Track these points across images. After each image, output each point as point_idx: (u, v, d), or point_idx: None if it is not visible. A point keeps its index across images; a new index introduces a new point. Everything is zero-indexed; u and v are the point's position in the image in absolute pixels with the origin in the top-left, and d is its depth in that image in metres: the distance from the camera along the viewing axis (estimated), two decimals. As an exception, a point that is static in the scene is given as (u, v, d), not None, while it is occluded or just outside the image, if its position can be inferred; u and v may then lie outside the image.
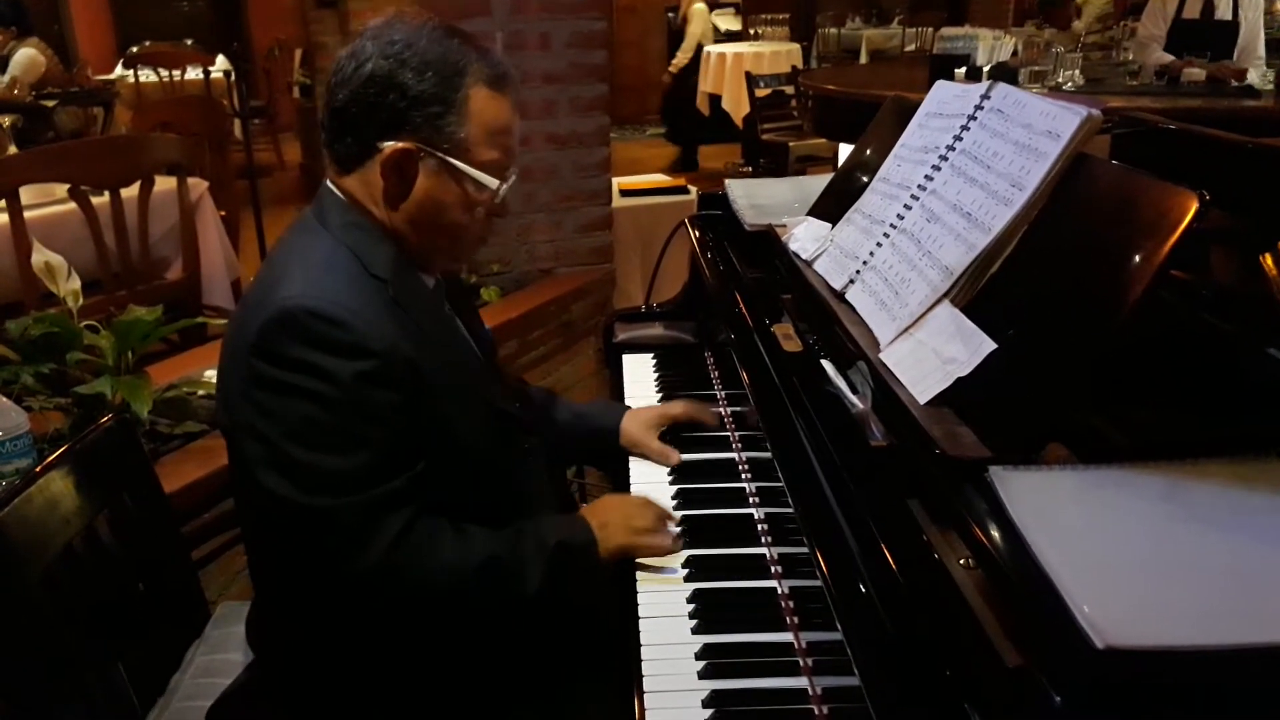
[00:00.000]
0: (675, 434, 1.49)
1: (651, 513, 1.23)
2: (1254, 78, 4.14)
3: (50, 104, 5.67)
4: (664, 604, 1.11)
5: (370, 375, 1.03)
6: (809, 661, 0.99)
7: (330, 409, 1.02)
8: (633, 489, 1.38)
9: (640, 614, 1.10)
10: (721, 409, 1.57)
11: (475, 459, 1.17)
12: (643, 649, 1.04)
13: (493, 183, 1.12)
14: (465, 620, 1.13)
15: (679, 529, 1.24)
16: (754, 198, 1.81)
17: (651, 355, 1.84)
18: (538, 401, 1.50)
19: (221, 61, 6.91)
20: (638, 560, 1.19)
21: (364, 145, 1.10)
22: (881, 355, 1.09)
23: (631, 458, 1.46)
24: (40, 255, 1.77)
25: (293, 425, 1.02)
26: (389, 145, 1.08)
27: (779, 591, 1.11)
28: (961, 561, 0.77)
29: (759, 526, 1.24)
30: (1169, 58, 4.42)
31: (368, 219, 1.13)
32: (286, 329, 1.02)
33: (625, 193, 3.37)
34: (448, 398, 1.13)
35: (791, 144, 5.51)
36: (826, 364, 1.17)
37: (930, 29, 7.95)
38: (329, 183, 1.16)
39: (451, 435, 1.13)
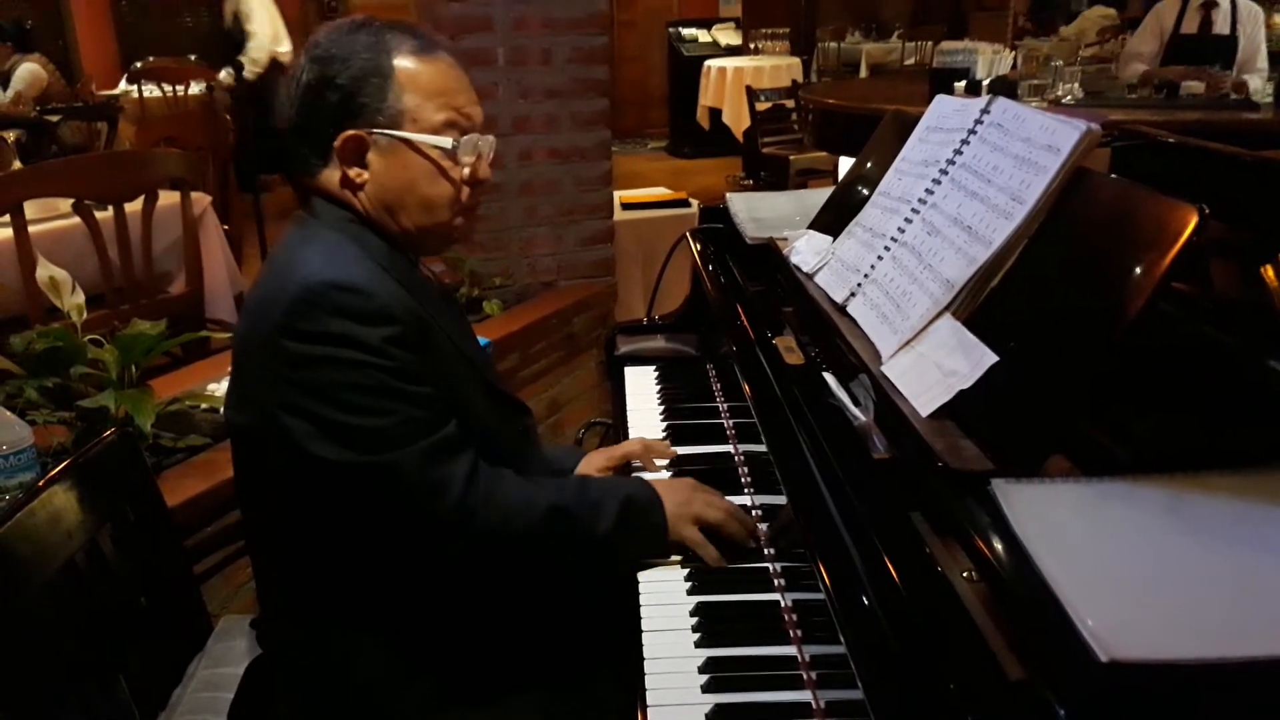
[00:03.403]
0: (677, 437, 1.51)
1: (727, 511, 1.22)
2: (1257, 84, 4.16)
3: (54, 119, 5.69)
4: (667, 617, 1.10)
5: (397, 339, 1.07)
6: (812, 675, 0.99)
7: (366, 373, 1.05)
8: None
9: (643, 627, 1.09)
10: (724, 420, 1.57)
11: (484, 434, 1.19)
12: (646, 662, 1.04)
13: (445, 141, 1.15)
14: (540, 565, 1.17)
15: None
16: (755, 211, 1.81)
17: (653, 368, 1.84)
18: None
19: (225, 76, 6.95)
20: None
21: (322, 148, 1.15)
22: (883, 368, 1.09)
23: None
24: (44, 270, 1.78)
25: (335, 395, 1.04)
26: (339, 138, 1.13)
27: (782, 605, 1.11)
28: (964, 574, 0.77)
29: (762, 539, 1.23)
30: (1144, 68, 4.46)
31: (355, 215, 1.17)
32: (313, 304, 1.04)
33: (626, 206, 3.38)
34: (457, 370, 1.17)
35: (792, 157, 5.53)
36: (828, 376, 1.17)
37: (930, 43, 8.01)
38: (309, 189, 1.19)
39: (463, 406, 1.16)
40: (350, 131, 1.12)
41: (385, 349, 1.06)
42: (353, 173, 1.15)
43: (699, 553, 1.19)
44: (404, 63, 1.13)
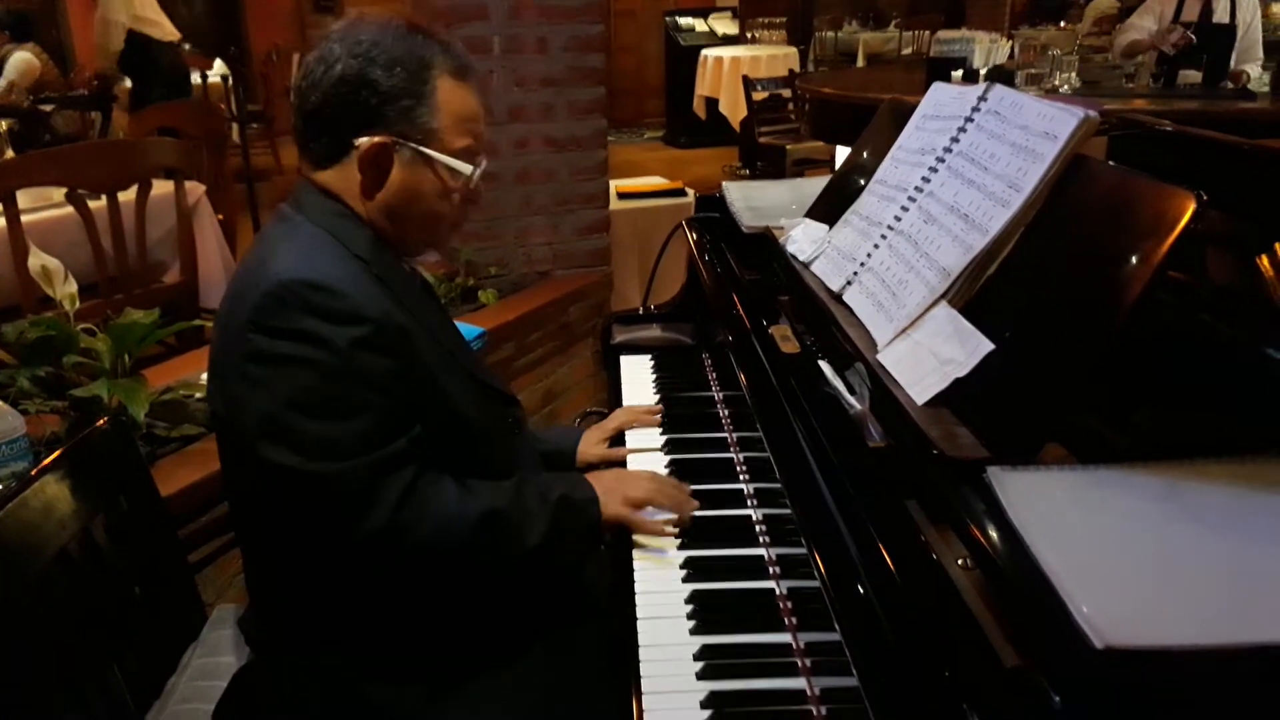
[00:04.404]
0: (672, 426, 1.52)
1: (653, 488, 1.25)
2: (1256, 73, 4.17)
3: (47, 108, 5.66)
4: (662, 605, 1.10)
5: (365, 341, 1.06)
6: (807, 662, 0.99)
7: (328, 376, 1.04)
8: None
9: (638, 615, 1.09)
10: (719, 409, 1.57)
11: (468, 427, 1.19)
12: (641, 650, 1.04)
13: (466, 168, 1.17)
14: (472, 574, 1.16)
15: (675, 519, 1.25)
16: (751, 200, 1.81)
17: (649, 357, 1.84)
18: None
19: (219, 66, 6.91)
20: (634, 539, 1.21)
21: (340, 142, 1.14)
22: (879, 356, 1.09)
23: (628, 441, 1.50)
24: (37, 259, 1.77)
25: (293, 395, 1.04)
26: (365, 140, 1.12)
27: (777, 592, 1.11)
28: (960, 562, 0.77)
29: (757, 527, 1.23)
30: (1140, 35, 4.47)
31: (345, 209, 1.16)
32: (283, 300, 1.04)
33: (623, 195, 3.37)
34: (437, 367, 1.16)
35: (789, 147, 5.52)
36: (824, 365, 1.17)
37: (927, 32, 7.98)
38: (305, 177, 1.19)
39: (445, 403, 1.16)
40: (379, 138, 1.12)
41: (351, 352, 1.05)
42: (370, 178, 1.14)
43: (640, 530, 1.22)
44: (444, 83, 1.13)
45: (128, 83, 5.63)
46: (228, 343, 1.09)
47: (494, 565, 1.16)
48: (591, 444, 1.51)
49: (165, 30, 5.35)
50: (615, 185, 3.26)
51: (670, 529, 1.23)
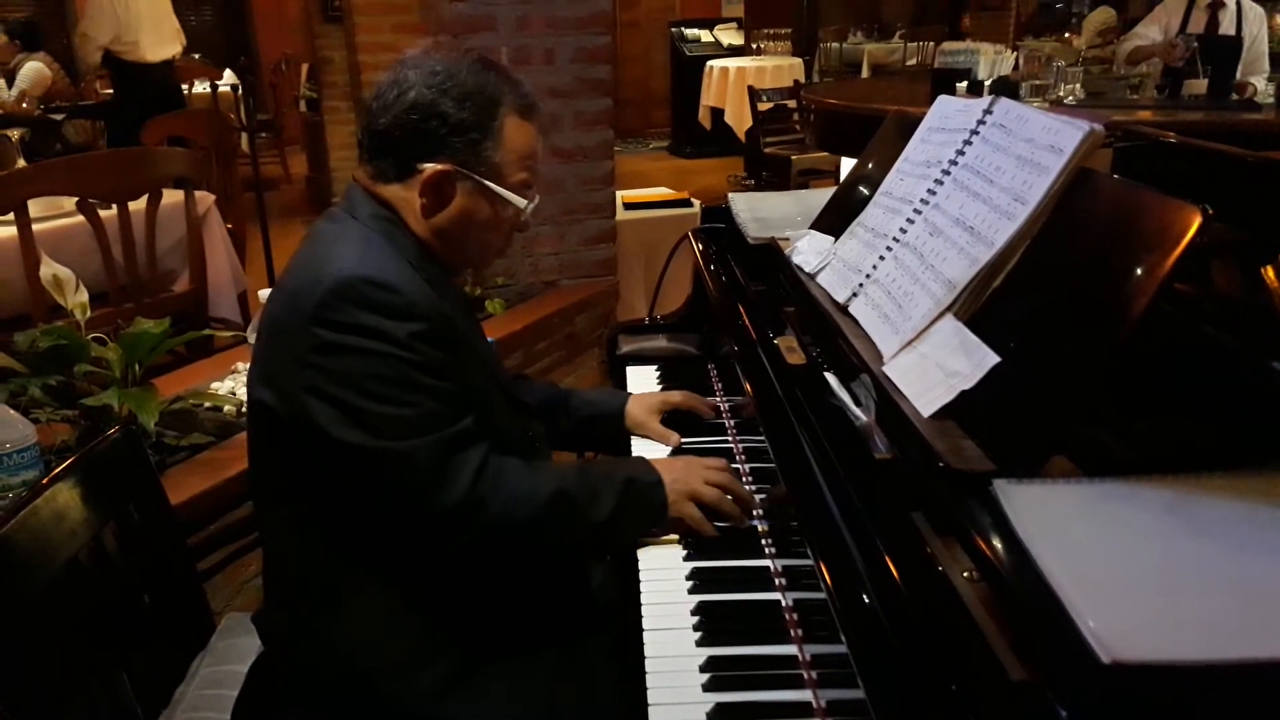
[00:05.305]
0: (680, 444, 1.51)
1: (723, 474, 1.26)
2: (1262, 85, 4.17)
3: (58, 117, 5.71)
4: (668, 616, 1.10)
5: (421, 335, 1.10)
6: (813, 674, 0.99)
7: (391, 365, 1.09)
8: None
9: (645, 626, 1.09)
10: (725, 419, 1.57)
11: (495, 435, 1.21)
12: (647, 661, 1.04)
13: (521, 202, 1.23)
14: (538, 551, 1.19)
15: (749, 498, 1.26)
16: (757, 211, 1.82)
17: (655, 367, 1.85)
18: (542, 390, 1.57)
19: (229, 76, 6.98)
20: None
21: (404, 164, 1.19)
22: (885, 368, 1.09)
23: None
24: (48, 268, 1.79)
25: (360, 383, 1.08)
26: (429, 167, 1.17)
27: (783, 604, 1.11)
28: (966, 574, 0.77)
29: (763, 539, 1.23)
30: (1145, 43, 4.49)
31: (396, 218, 1.21)
32: (345, 296, 1.08)
33: (629, 205, 3.38)
34: (476, 371, 1.21)
35: (794, 158, 5.53)
36: (830, 377, 1.17)
37: (931, 43, 8.01)
38: (357, 183, 1.23)
39: (482, 402, 1.20)
40: (444, 166, 1.17)
41: (411, 344, 1.09)
42: (430, 202, 1.18)
43: (696, 529, 1.22)
44: (510, 119, 1.19)
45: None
46: (285, 339, 1.12)
47: (560, 543, 1.20)
48: (642, 408, 1.52)
49: (141, 53, 5.26)
50: (621, 195, 3.27)
51: (741, 517, 1.24)
